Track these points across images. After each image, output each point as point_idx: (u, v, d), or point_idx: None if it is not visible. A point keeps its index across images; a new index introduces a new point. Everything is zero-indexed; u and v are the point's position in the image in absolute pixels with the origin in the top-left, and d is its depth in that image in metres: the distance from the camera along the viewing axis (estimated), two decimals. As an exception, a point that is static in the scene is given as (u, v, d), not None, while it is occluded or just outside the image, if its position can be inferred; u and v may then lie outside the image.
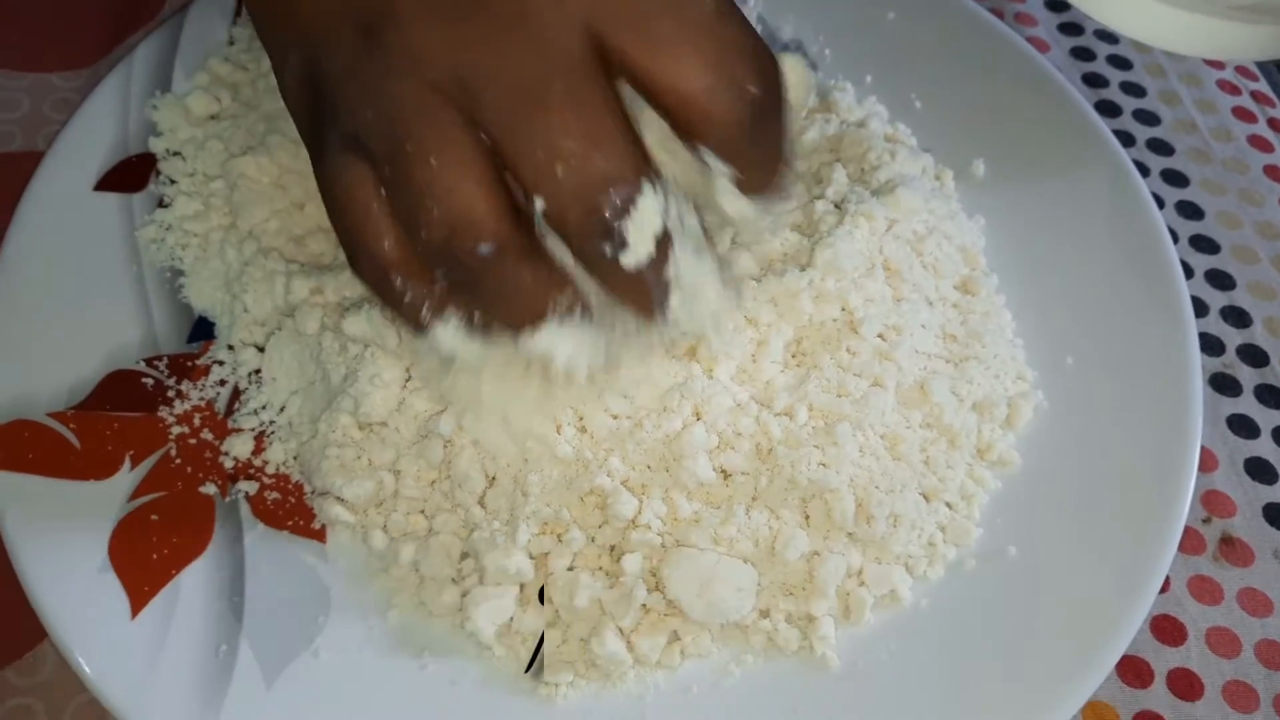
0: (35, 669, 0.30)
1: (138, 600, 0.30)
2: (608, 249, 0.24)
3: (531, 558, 0.30)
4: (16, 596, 0.31)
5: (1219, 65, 0.47)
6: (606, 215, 0.24)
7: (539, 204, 0.24)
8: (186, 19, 0.41)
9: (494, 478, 0.31)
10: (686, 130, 0.25)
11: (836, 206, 0.35)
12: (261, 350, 0.34)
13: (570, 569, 0.30)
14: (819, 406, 0.32)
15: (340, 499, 0.31)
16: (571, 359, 0.27)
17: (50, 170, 0.37)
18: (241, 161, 0.36)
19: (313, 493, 0.32)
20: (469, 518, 0.31)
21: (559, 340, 0.26)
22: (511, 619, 0.30)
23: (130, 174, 0.37)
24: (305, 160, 0.36)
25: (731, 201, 0.27)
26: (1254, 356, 0.38)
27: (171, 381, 0.34)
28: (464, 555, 0.31)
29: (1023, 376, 0.35)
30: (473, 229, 0.24)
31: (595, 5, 0.24)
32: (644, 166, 0.25)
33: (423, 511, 0.32)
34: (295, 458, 0.33)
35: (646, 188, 0.24)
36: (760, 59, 0.25)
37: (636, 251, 0.25)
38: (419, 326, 0.27)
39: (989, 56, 0.42)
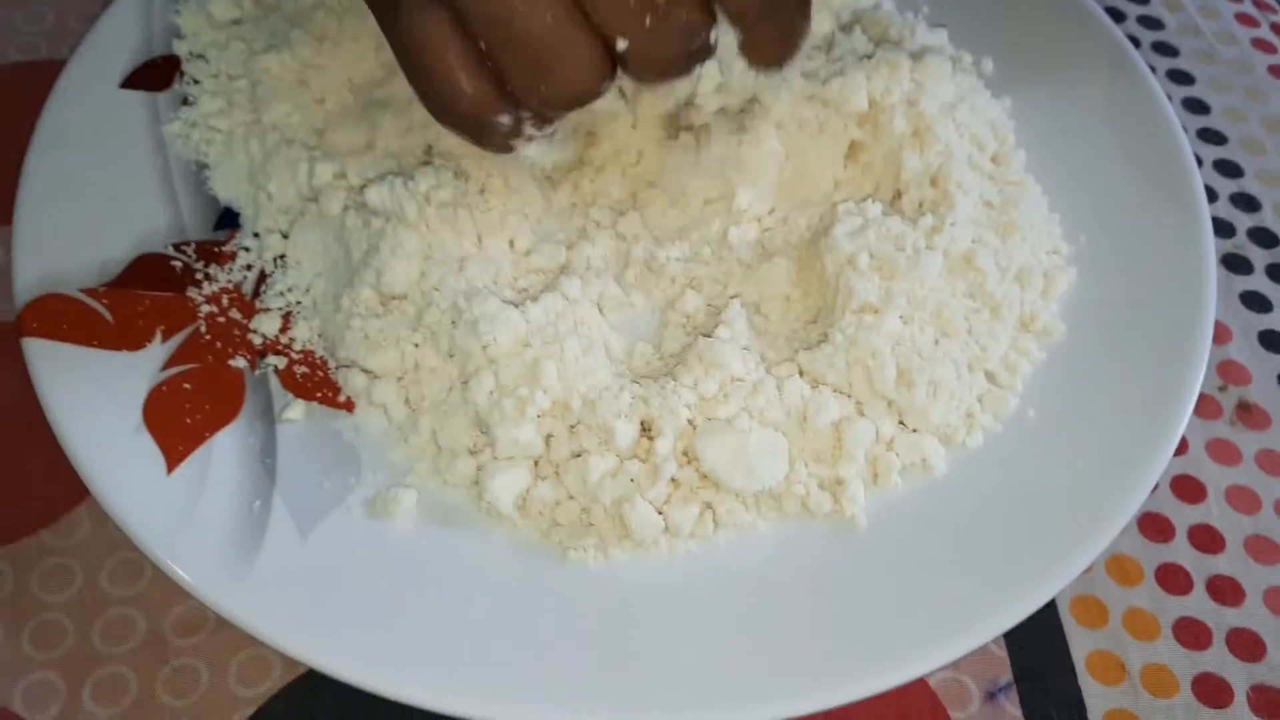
0: (72, 530, 0.31)
1: (173, 458, 0.30)
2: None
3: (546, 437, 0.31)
4: (49, 462, 0.31)
5: (1221, -25, 0.48)
6: (684, 61, 0.28)
7: (623, 45, 0.27)
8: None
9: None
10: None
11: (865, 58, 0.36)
12: (286, 236, 0.35)
13: (577, 454, 0.31)
14: (879, 255, 0.32)
15: (365, 370, 0.32)
16: None
17: (77, 69, 0.37)
18: (265, 58, 0.37)
19: (337, 367, 0.33)
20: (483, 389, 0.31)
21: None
22: (528, 490, 0.30)
23: (155, 74, 0.38)
24: (327, 55, 0.38)
25: (736, 68, 0.29)
26: (1264, 238, 0.39)
27: (200, 265, 0.35)
28: (481, 430, 0.31)
29: (1058, 250, 0.35)
30: (572, 78, 0.27)
31: None
32: (712, 18, 0.27)
33: (445, 384, 0.32)
34: (320, 335, 0.33)
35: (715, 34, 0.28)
36: None
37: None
38: (505, 149, 0.30)
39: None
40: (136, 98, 0.37)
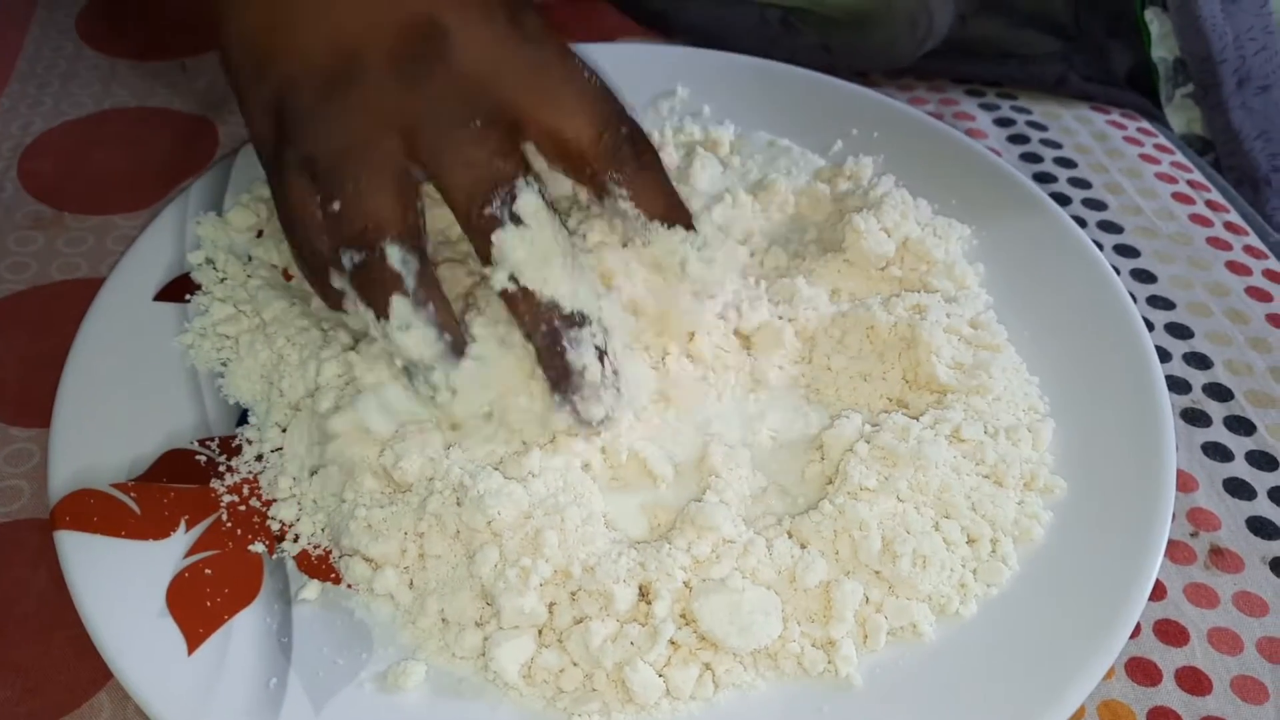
0: (92, 716, 0.32)
1: (194, 640, 0.31)
2: (496, 223, 0.33)
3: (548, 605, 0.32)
4: (74, 651, 0.33)
5: (1155, 160, 0.52)
6: (496, 201, 0.33)
7: (448, 202, 0.33)
8: (235, 161, 0.46)
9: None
10: (582, 168, 0.34)
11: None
12: (285, 430, 0.37)
13: (579, 620, 0.32)
14: (881, 445, 0.35)
15: (366, 558, 0.34)
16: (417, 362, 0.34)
17: (115, 284, 0.41)
18: (259, 249, 0.41)
19: (340, 556, 0.34)
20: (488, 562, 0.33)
21: (411, 339, 0.33)
22: (533, 658, 0.32)
23: (186, 287, 0.42)
24: None
25: (658, 239, 0.35)
26: (1218, 392, 0.42)
27: (222, 459, 0.37)
28: (487, 602, 0.33)
29: (1034, 408, 0.38)
30: (379, 227, 0.33)
31: (518, 86, 0.34)
32: (524, 171, 0.33)
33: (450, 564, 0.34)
34: (324, 528, 0.35)
35: (524, 183, 0.33)
36: (626, 112, 0.35)
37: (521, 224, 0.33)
38: (336, 307, 0.35)
39: (953, 156, 0.47)
40: (167, 309, 0.41)
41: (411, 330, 0.33)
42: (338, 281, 0.34)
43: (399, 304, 0.33)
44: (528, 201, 0.33)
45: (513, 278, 0.33)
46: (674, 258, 0.36)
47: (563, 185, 0.36)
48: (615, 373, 0.34)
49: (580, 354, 0.33)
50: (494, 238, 0.33)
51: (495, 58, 0.34)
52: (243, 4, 0.35)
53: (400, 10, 0.33)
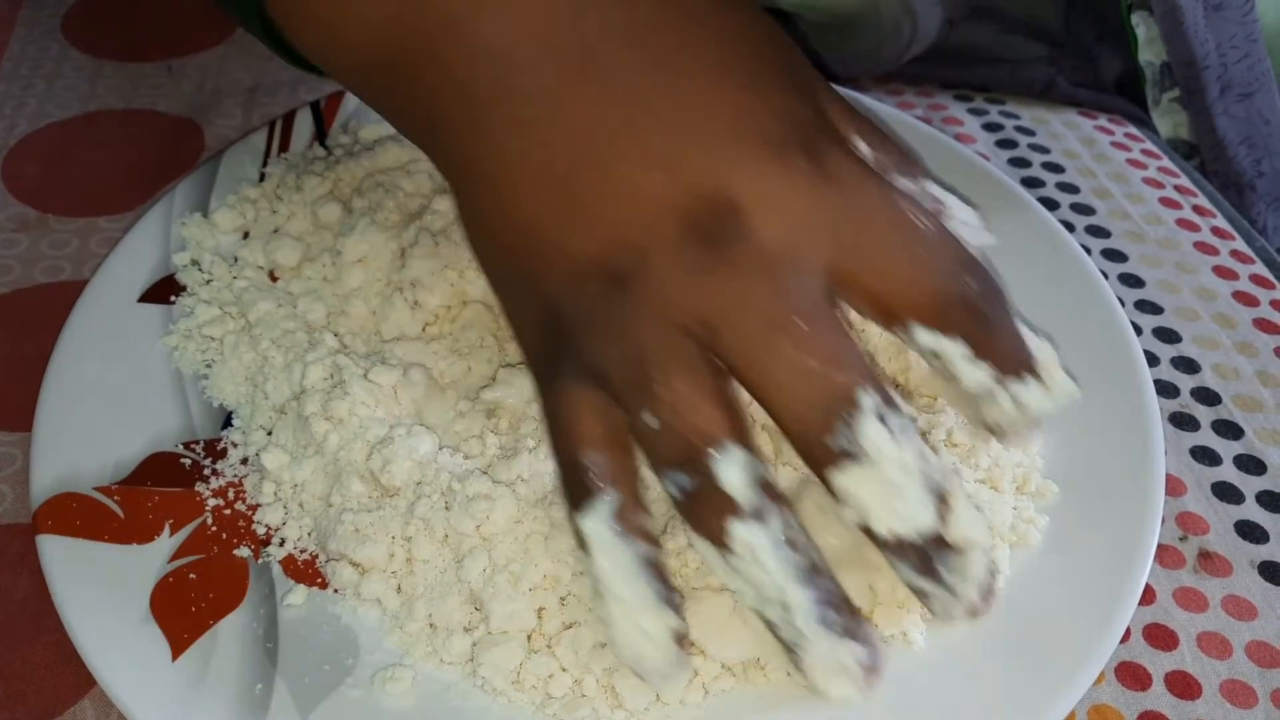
0: (75, 723, 0.32)
1: (178, 646, 0.31)
2: (840, 455, 0.26)
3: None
4: (56, 659, 0.33)
5: (1142, 166, 0.53)
6: (842, 435, 0.26)
7: (774, 418, 0.27)
8: (222, 161, 0.46)
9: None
10: (924, 316, 0.28)
11: None
12: (270, 433, 0.37)
13: (569, 626, 0.32)
14: None
15: (353, 563, 0.33)
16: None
17: (98, 285, 0.40)
18: (245, 251, 0.41)
19: (326, 560, 0.34)
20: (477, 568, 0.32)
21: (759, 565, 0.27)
22: (522, 664, 0.31)
23: (171, 289, 0.41)
24: (309, 263, 0.41)
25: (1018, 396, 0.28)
26: (1206, 397, 0.42)
27: (207, 462, 0.37)
28: (476, 607, 0.32)
29: None
30: (706, 442, 0.26)
31: (829, 236, 0.28)
32: (876, 382, 0.27)
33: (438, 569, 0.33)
34: (310, 533, 0.35)
35: (865, 401, 0.26)
36: (973, 262, 0.29)
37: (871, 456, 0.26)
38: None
39: (942, 160, 0.47)
40: (152, 311, 0.40)
41: (760, 557, 0.27)
42: (597, 515, 0.28)
43: (740, 529, 0.27)
44: (869, 430, 0.26)
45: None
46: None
47: None
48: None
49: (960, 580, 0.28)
50: (837, 483, 0.27)
51: (807, 223, 0.28)
52: (499, 195, 0.30)
53: (683, 187, 0.28)
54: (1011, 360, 0.29)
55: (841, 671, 0.28)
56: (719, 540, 0.27)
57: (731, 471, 0.27)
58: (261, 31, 0.36)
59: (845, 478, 0.26)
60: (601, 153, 0.29)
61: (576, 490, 0.28)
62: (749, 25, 0.31)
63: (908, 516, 0.27)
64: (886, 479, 0.26)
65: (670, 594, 0.28)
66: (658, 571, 0.28)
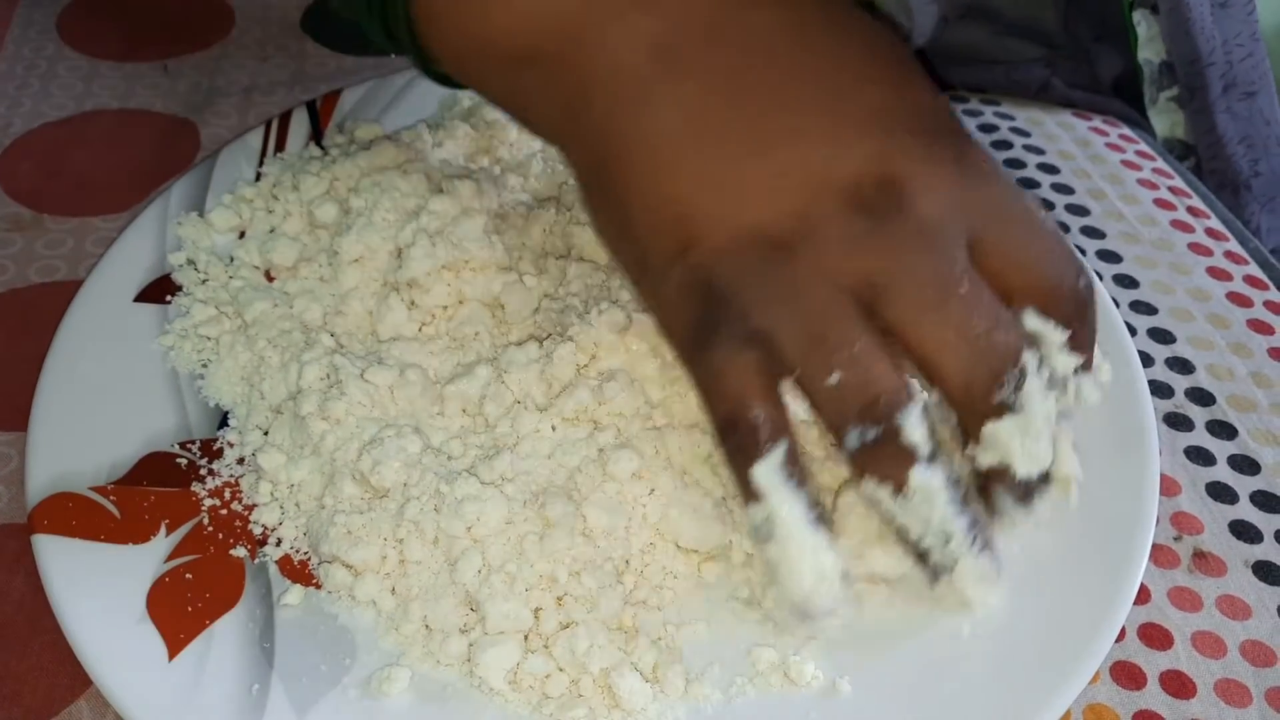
0: (71, 724, 0.31)
1: (174, 646, 0.31)
2: (999, 411, 0.29)
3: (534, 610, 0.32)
4: (51, 659, 0.32)
5: (1136, 167, 0.53)
6: (1008, 388, 0.29)
7: (935, 375, 0.29)
8: (218, 161, 0.46)
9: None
10: (1040, 302, 0.30)
11: None
12: (266, 433, 0.37)
13: (565, 626, 0.32)
14: None
15: (346, 564, 0.33)
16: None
17: (95, 284, 0.40)
18: (241, 250, 0.41)
19: (319, 563, 0.34)
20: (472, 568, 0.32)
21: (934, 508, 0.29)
22: (519, 664, 0.31)
23: (167, 288, 0.41)
24: (305, 263, 0.41)
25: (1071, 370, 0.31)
26: (1201, 397, 0.42)
27: (204, 462, 0.37)
28: (471, 608, 0.32)
29: None
30: (894, 395, 0.28)
31: (973, 217, 0.30)
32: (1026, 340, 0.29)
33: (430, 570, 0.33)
34: (305, 533, 0.35)
35: (1030, 363, 0.29)
36: (1082, 264, 0.32)
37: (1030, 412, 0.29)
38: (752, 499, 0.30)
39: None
40: (148, 310, 0.40)
41: (935, 497, 0.29)
42: (771, 462, 0.29)
43: (919, 474, 0.28)
44: (1032, 388, 0.29)
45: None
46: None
47: None
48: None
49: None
50: (987, 429, 0.29)
51: (956, 202, 0.30)
52: (653, 173, 0.31)
53: (848, 164, 0.30)
54: (1089, 358, 0.32)
55: (984, 580, 0.30)
56: (901, 485, 0.29)
57: (914, 422, 0.28)
58: (409, 45, 0.37)
59: (999, 427, 0.29)
60: (769, 131, 0.30)
61: (747, 443, 0.29)
62: (879, 30, 0.34)
63: (1039, 458, 0.29)
64: (1032, 428, 0.29)
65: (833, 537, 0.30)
66: (823, 515, 0.30)
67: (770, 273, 0.29)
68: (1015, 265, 0.30)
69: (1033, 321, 0.30)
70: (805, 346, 0.29)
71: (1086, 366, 0.32)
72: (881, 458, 0.29)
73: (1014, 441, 0.29)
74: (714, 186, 0.30)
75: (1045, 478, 0.30)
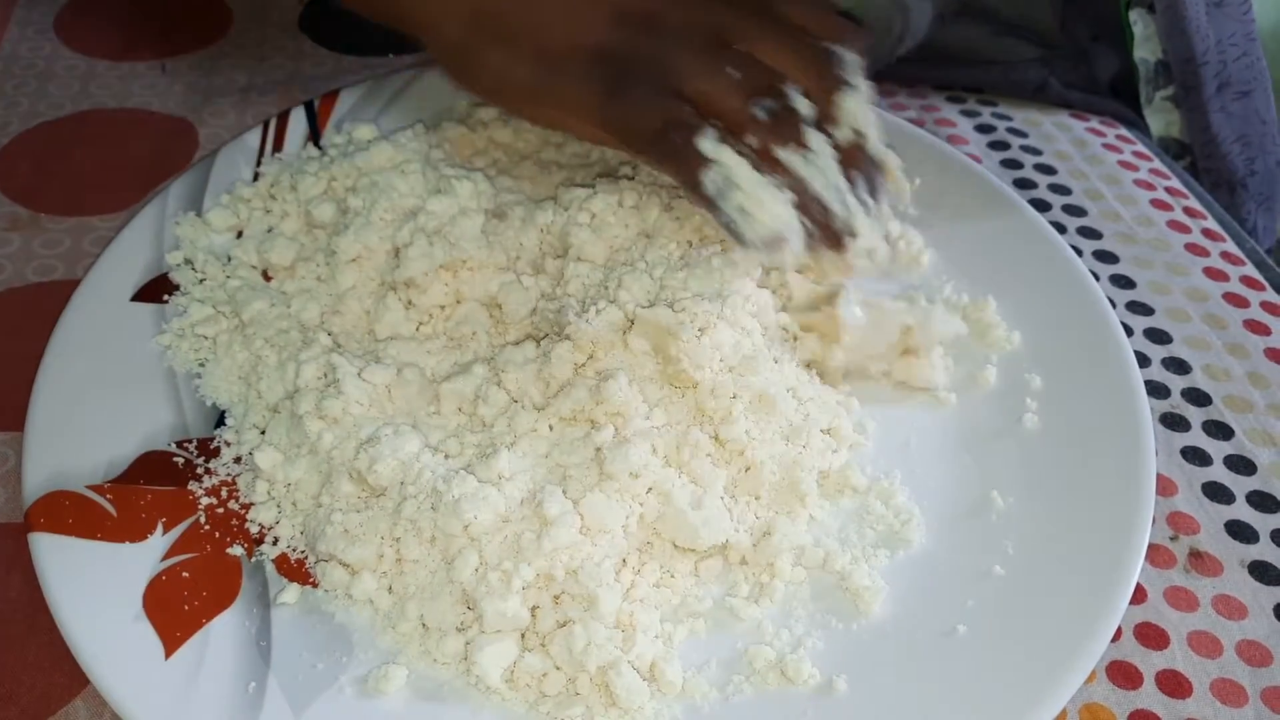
0: (68, 722, 0.31)
1: (171, 644, 0.31)
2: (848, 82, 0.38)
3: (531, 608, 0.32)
4: (49, 658, 0.32)
5: (1133, 168, 0.53)
6: (845, 66, 0.37)
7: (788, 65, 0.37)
8: (215, 161, 0.46)
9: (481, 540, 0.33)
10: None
11: None
12: (263, 432, 0.37)
13: (562, 624, 0.32)
14: None
15: (343, 563, 0.33)
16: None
17: (92, 283, 0.40)
18: (239, 250, 0.41)
19: (316, 561, 0.34)
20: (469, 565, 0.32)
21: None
22: (516, 662, 0.31)
23: (164, 288, 0.41)
24: (303, 262, 0.41)
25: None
26: (1197, 397, 0.42)
27: (200, 460, 0.37)
28: (468, 606, 0.32)
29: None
30: (778, 77, 0.37)
31: None
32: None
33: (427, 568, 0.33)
34: (302, 532, 0.35)
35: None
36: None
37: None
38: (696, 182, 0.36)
39: (934, 162, 0.48)
40: (145, 309, 0.40)
41: (825, 153, 0.36)
42: (710, 138, 0.36)
43: (811, 134, 0.36)
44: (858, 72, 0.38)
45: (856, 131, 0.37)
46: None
47: None
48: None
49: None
50: (837, 98, 0.37)
51: None
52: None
53: None
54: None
55: (870, 254, 0.37)
56: (800, 143, 0.36)
57: (798, 96, 0.37)
58: None
59: (845, 95, 0.37)
60: None
61: (684, 133, 0.36)
62: None
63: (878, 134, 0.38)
64: (865, 102, 0.37)
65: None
66: (761, 167, 0.36)
67: (652, 32, 0.37)
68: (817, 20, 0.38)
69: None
70: (702, 63, 0.37)
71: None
72: (783, 124, 0.36)
73: (860, 108, 0.37)
74: None
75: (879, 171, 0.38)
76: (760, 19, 0.38)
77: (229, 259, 0.42)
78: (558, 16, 0.38)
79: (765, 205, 0.35)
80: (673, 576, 0.34)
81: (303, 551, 0.34)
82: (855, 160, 0.37)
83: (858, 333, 0.39)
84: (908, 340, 0.39)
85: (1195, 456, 0.40)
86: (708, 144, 0.36)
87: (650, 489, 0.34)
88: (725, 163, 0.36)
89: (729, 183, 0.35)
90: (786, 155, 0.36)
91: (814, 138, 0.36)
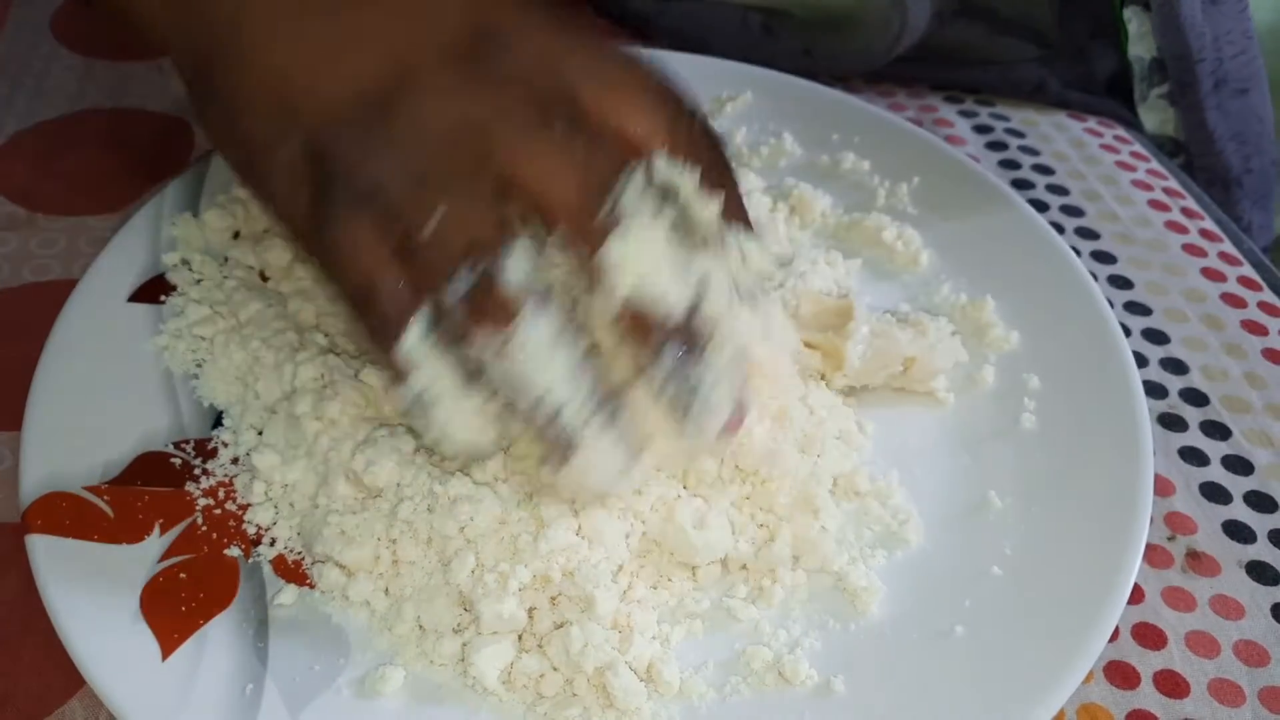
0: (64, 724, 0.31)
1: (168, 646, 0.31)
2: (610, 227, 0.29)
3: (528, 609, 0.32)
4: (44, 659, 0.32)
5: (1131, 168, 0.53)
6: (612, 198, 0.28)
7: (544, 209, 0.29)
8: (213, 161, 0.46)
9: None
10: (658, 144, 0.30)
11: None
12: (260, 433, 0.37)
13: (559, 625, 0.32)
14: None
15: (340, 564, 0.33)
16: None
17: (89, 284, 0.40)
18: (236, 251, 0.41)
19: (313, 563, 0.34)
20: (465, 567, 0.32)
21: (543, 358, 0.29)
22: (513, 663, 0.31)
23: (161, 288, 0.41)
24: (300, 263, 0.41)
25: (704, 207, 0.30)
26: (1194, 397, 0.42)
27: (198, 461, 0.36)
28: (465, 608, 0.32)
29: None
30: (491, 235, 0.29)
31: (575, 66, 0.30)
32: (640, 159, 0.29)
33: (423, 570, 0.33)
34: (299, 532, 0.35)
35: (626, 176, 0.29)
36: (695, 102, 0.31)
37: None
38: (400, 379, 0.30)
39: (932, 162, 0.48)
40: (142, 310, 0.40)
41: (545, 348, 0.29)
42: (413, 337, 0.29)
43: (526, 322, 0.28)
44: (632, 195, 0.29)
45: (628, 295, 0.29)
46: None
47: None
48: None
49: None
50: (601, 254, 0.28)
51: (557, 52, 0.30)
52: (250, 54, 0.30)
53: (449, 19, 0.30)
54: (743, 215, 0.31)
55: (609, 465, 0.30)
56: (506, 335, 0.28)
57: (515, 264, 0.28)
58: None
59: (611, 246, 0.28)
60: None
61: (385, 321, 0.29)
62: None
63: (674, 293, 0.29)
64: (649, 249, 0.28)
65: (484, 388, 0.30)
66: (474, 369, 0.29)
67: (374, 131, 0.29)
68: (622, 110, 0.29)
69: (661, 167, 0.29)
70: (406, 197, 0.28)
71: (743, 224, 0.31)
72: (484, 306, 0.28)
73: (632, 259, 0.28)
74: (308, 55, 0.30)
75: (709, 329, 0.29)
76: (537, 120, 0.29)
77: (226, 260, 0.42)
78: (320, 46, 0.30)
79: (463, 424, 0.30)
80: (670, 580, 0.34)
81: (299, 553, 0.34)
82: (639, 342, 0.29)
83: (862, 362, 0.39)
84: (909, 368, 0.39)
85: (1193, 457, 0.40)
86: (409, 349, 0.29)
87: (653, 506, 0.34)
88: (425, 379, 0.29)
89: (425, 397, 0.30)
90: (480, 352, 0.29)
91: (533, 323, 0.29)
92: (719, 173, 0.31)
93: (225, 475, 0.36)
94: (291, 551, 0.34)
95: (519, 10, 0.30)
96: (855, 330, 0.38)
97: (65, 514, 0.34)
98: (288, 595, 0.33)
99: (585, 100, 0.29)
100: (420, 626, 0.32)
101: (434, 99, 0.29)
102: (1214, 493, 0.39)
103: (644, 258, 0.28)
